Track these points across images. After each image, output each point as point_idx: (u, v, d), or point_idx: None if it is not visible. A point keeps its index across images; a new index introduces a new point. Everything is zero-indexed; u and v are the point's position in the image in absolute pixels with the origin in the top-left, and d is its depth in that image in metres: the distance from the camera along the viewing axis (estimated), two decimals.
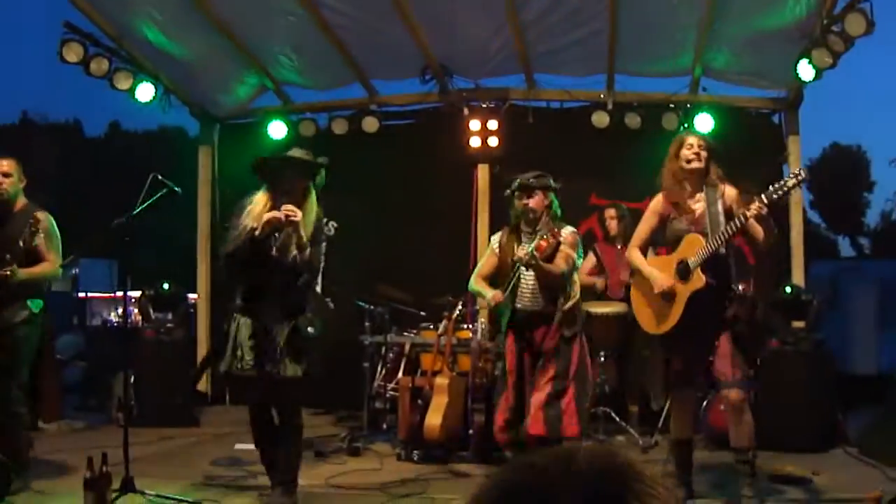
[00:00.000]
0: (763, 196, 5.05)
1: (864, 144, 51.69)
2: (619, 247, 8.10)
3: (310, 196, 5.50)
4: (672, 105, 9.25)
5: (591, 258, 8.29)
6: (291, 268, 5.36)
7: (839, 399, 7.99)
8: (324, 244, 5.62)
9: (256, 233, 5.28)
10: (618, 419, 7.71)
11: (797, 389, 7.59)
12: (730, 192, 5.41)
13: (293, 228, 5.28)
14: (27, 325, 5.79)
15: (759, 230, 5.22)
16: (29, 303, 5.77)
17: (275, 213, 5.26)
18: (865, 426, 7.73)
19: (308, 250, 5.32)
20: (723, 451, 6.82)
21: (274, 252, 5.36)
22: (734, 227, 5.14)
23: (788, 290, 8.06)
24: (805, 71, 7.91)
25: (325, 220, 5.74)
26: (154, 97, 9.20)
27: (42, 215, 5.83)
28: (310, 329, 5.38)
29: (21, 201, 5.96)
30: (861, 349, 11.29)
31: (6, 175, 5.83)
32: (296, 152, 5.65)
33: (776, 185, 5.04)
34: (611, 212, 8.32)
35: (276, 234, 5.36)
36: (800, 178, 5.07)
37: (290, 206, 5.26)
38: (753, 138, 9.23)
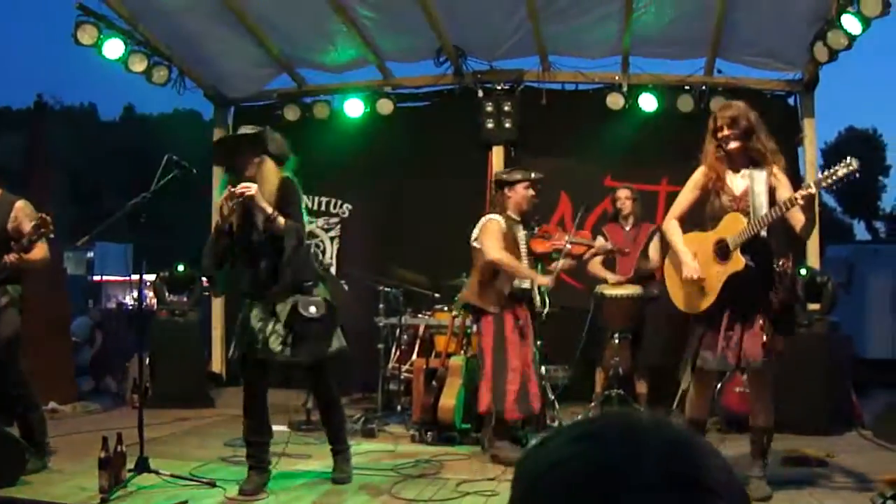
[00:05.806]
0: (812, 183, 4.89)
1: (880, 128, 51.54)
2: (627, 228, 8.05)
3: (264, 166, 5.35)
4: (687, 87, 9.21)
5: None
6: (271, 243, 5.28)
7: (854, 382, 7.99)
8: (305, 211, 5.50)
9: (220, 222, 5.30)
10: (631, 401, 7.69)
11: (812, 372, 7.57)
12: (777, 170, 5.20)
13: (252, 203, 5.19)
14: (10, 309, 5.77)
15: (799, 218, 5.00)
16: (9, 287, 5.75)
17: (223, 196, 5.22)
18: (880, 409, 7.73)
19: (278, 220, 5.20)
20: (735, 434, 6.86)
21: (254, 237, 5.32)
22: (778, 212, 4.97)
23: (804, 271, 8.00)
24: (820, 52, 7.87)
25: (295, 181, 5.48)
26: (168, 80, 9.22)
27: (22, 203, 5.82)
28: (311, 309, 5.27)
29: None
30: (876, 333, 11.28)
31: None
32: (243, 129, 5.63)
33: (826, 173, 4.81)
34: (625, 192, 8.13)
35: (252, 217, 5.30)
36: (851, 167, 4.73)
37: (242, 184, 5.19)
38: (769, 120, 8.93)
